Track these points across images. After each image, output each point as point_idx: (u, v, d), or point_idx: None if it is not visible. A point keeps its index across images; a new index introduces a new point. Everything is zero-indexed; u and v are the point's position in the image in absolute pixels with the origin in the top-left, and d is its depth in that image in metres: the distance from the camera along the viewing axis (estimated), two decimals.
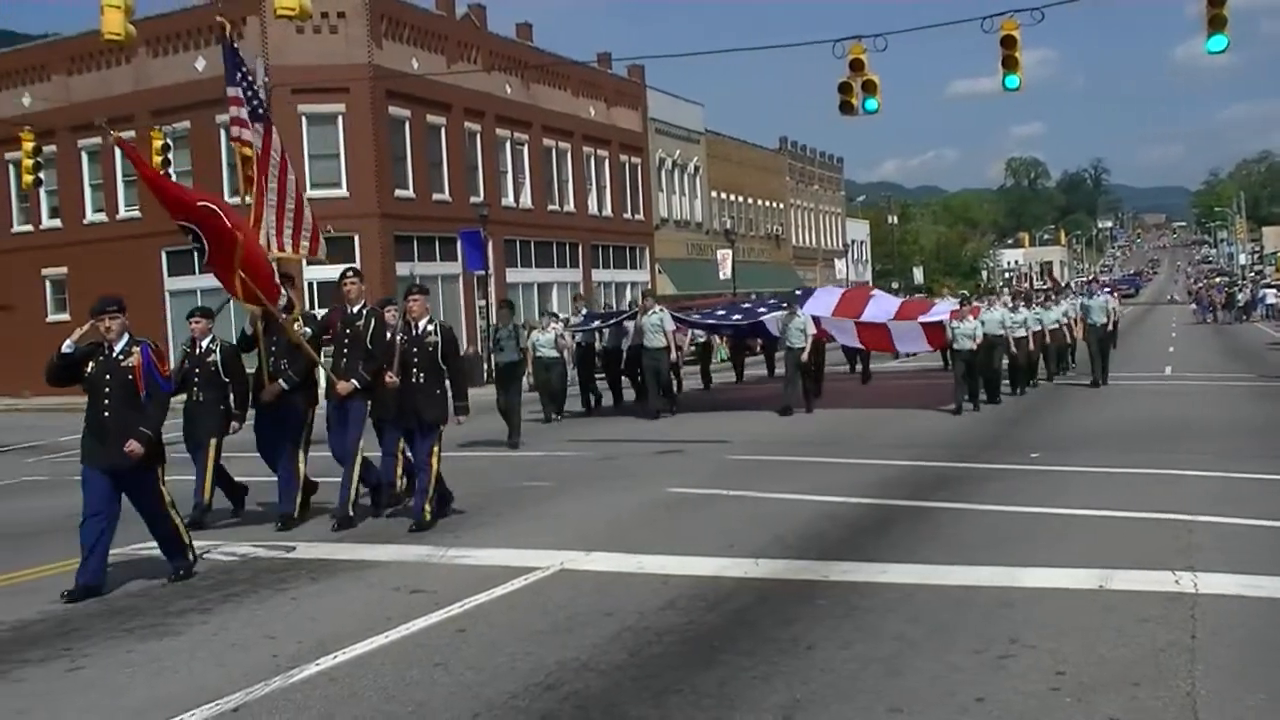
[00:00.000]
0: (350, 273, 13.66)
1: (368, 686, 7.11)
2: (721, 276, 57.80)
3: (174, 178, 38.98)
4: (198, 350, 13.80)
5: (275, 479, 13.54)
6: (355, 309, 13.37)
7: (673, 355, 24.87)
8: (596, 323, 27.67)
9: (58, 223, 46.33)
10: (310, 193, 40.43)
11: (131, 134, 42.41)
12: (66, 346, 10.31)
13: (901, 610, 8.42)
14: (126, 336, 10.40)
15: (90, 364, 10.27)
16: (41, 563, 11.64)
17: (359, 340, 13.16)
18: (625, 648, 7.72)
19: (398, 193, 42.77)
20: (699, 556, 10.46)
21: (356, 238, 41.00)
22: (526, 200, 51.21)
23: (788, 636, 7.82)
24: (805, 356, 23.60)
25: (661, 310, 24.72)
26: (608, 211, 57.78)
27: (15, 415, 38.31)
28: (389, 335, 13.16)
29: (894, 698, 6.59)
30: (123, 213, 44.60)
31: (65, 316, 45.51)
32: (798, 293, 26.85)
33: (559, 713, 6.53)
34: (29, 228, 47.15)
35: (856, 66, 26.53)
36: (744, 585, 9.40)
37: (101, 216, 45.22)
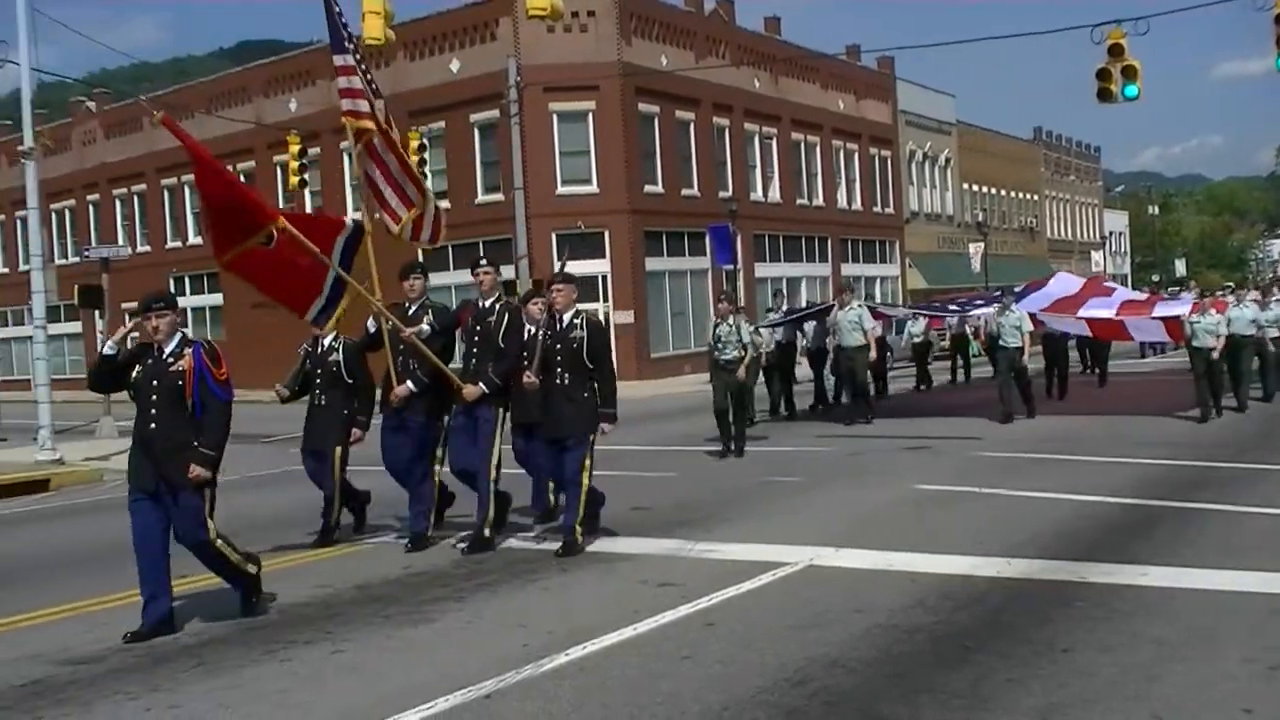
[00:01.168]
0: (483, 262, 12.15)
1: (616, 677, 7.14)
2: (974, 270, 56.67)
3: (429, 179, 40.52)
4: (319, 349, 12.74)
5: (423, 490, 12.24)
6: (487, 303, 11.95)
7: (872, 355, 22.86)
8: (791, 321, 25.72)
9: None
10: (560, 189, 41.42)
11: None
12: (108, 348, 9.32)
13: (1163, 614, 8.07)
14: (179, 337, 9.11)
15: (137, 368, 9.07)
16: (308, 548, 12.09)
17: (490, 338, 11.68)
18: (875, 645, 7.59)
19: (647, 188, 43.12)
20: (949, 555, 10.23)
21: (606, 234, 41.53)
22: (775, 195, 51.10)
23: (1042, 638, 7.58)
24: (1024, 357, 21.76)
25: (861, 305, 23.24)
26: (857, 205, 57.23)
27: (282, 408, 39.75)
28: (532, 331, 11.74)
29: (1154, 705, 6.31)
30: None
31: None
32: (1015, 288, 24.97)
33: (807, 709, 6.45)
34: None
35: (1115, 52, 25.64)
36: (996, 585, 9.15)
37: (360, 215, 46.67)
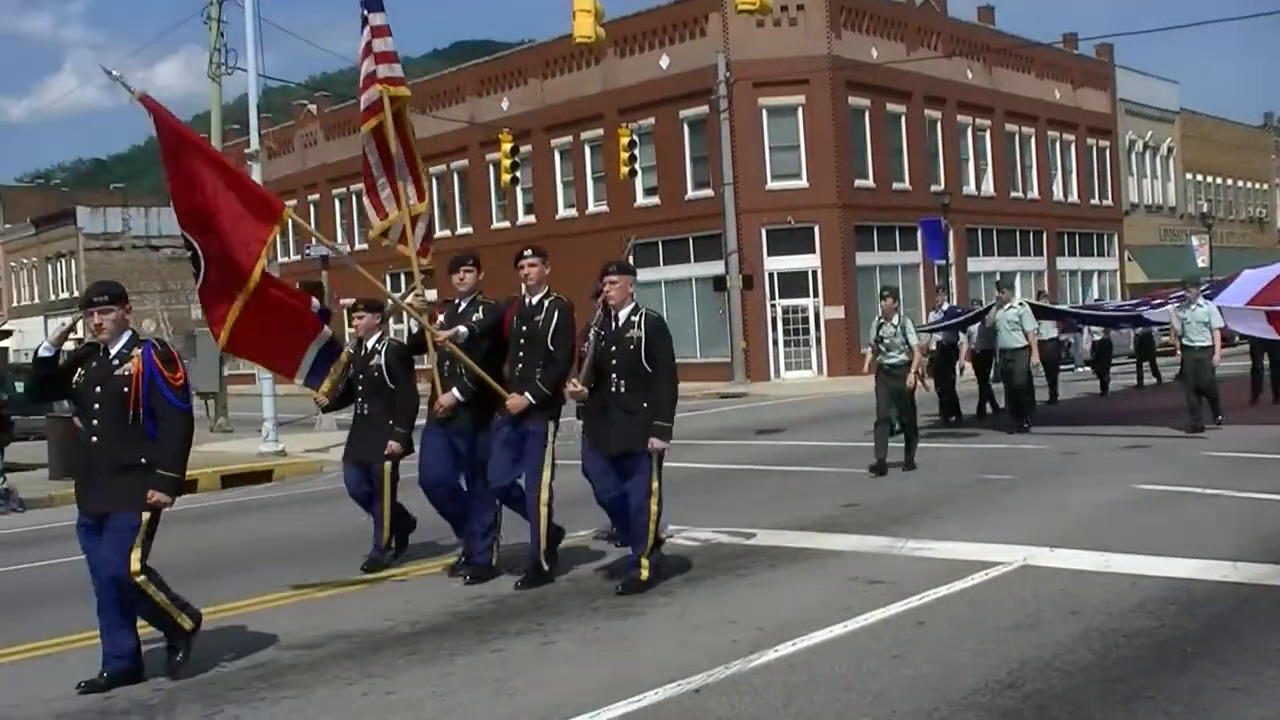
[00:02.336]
0: (528, 253, 10.52)
1: (826, 674, 7.07)
2: (1199, 264, 54.75)
3: (639, 174, 40.81)
4: (362, 351, 11.49)
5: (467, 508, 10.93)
6: (534, 299, 10.29)
7: (1033, 358, 20.97)
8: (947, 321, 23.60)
9: (532, 219, 48.76)
10: (770, 184, 41.29)
11: (600, 132, 44.32)
12: (44, 349, 7.77)
13: None
14: (127, 336, 7.74)
15: (79, 372, 7.73)
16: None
17: (537, 339, 10.05)
18: (1091, 649, 7.37)
19: (857, 183, 42.74)
20: (1170, 557, 9.86)
21: (816, 228, 41.29)
22: (988, 187, 50.16)
23: (1273, 647, 7.25)
24: (1216, 358, 19.42)
25: (1022, 304, 21.48)
26: (1073, 197, 55.83)
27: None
28: (592, 330, 10.05)
29: None
30: (591, 208, 46.52)
31: None
32: (1204, 282, 22.72)
33: (1021, 711, 6.29)
34: (506, 224, 49.86)
35: None
36: (1221, 589, 8.79)
37: (572, 212, 47.29)
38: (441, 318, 10.75)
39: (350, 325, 11.95)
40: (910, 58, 44.34)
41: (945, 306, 25.09)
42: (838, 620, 8.22)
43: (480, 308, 10.67)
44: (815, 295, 41.32)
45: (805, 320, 41.53)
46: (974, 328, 22.91)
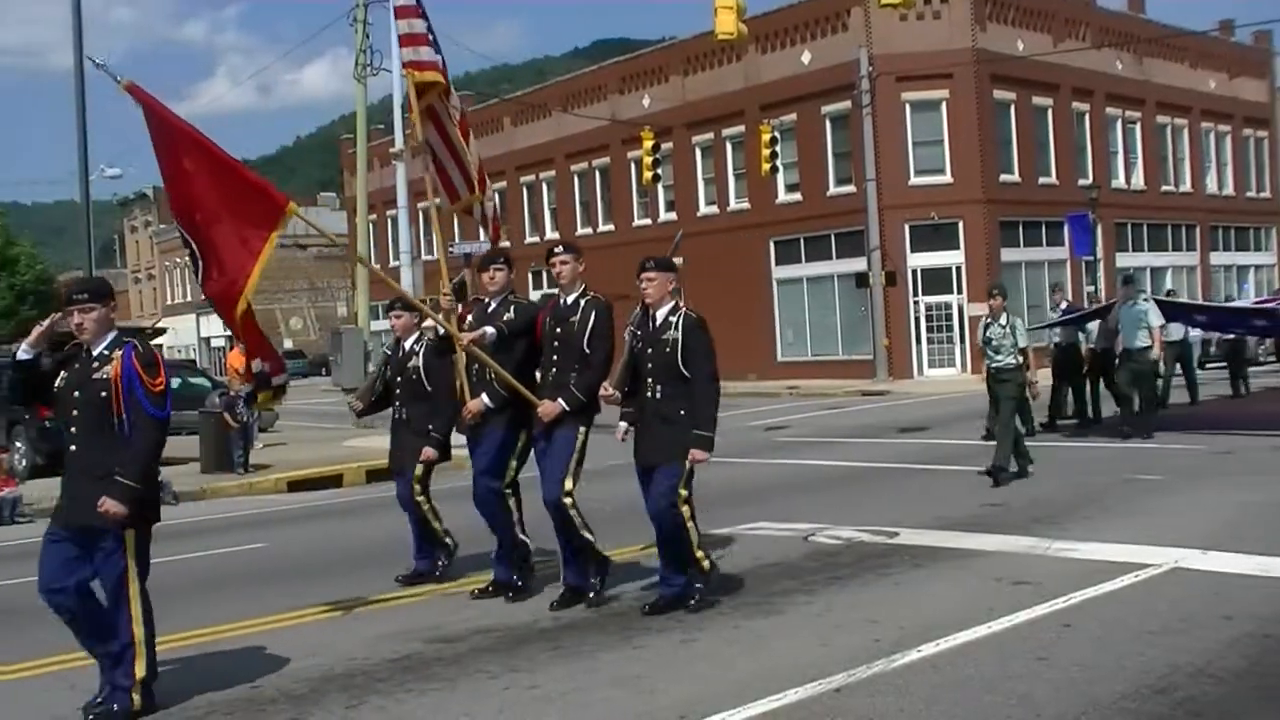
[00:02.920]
0: (560, 249, 9.70)
1: (970, 676, 6.98)
2: None
3: (781, 171, 40.66)
4: (400, 352, 10.93)
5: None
6: (569, 298, 9.50)
7: (1155, 356, 19.66)
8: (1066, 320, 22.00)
9: (673, 216, 48.78)
10: (913, 180, 40.86)
11: (741, 129, 44.27)
12: (23, 351, 7.28)
13: None
14: (111, 336, 7.20)
15: (62, 375, 7.21)
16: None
17: (572, 342, 9.30)
18: (1244, 655, 7.16)
19: (1002, 177, 42.08)
20: None
21: (960, 224, 40.78)
22: (1138, 181, 49.06)
23: None
24: None
25: (1148, 301, 20.11)
26: (1228, 190, 54.35)
27: None
28: (629, 330, 9.36)
29: None
30: (733, 205, 46.44)
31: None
32: None
33: (1172, 718, 6.15)
34: (647, 221, 49.96)
35: None
36: None
37: (713, 209, 47.24)
38: (470, 318, 10.00)
39: (389, 325, 11.27)
40: (1057, 49, 43.50)
41: (1063, 305, 23.79)
42: (982, 621, 8.11)
43: (512, 307, 9.86)
44: (959, 292, 40.79)
45: (949, 317, 41.02)
46: (1093, 325, 21.63)
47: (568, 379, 9.23)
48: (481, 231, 11.43)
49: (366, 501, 17.68)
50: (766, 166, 37.98)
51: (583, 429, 9.31)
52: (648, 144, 36.72)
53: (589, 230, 52.61)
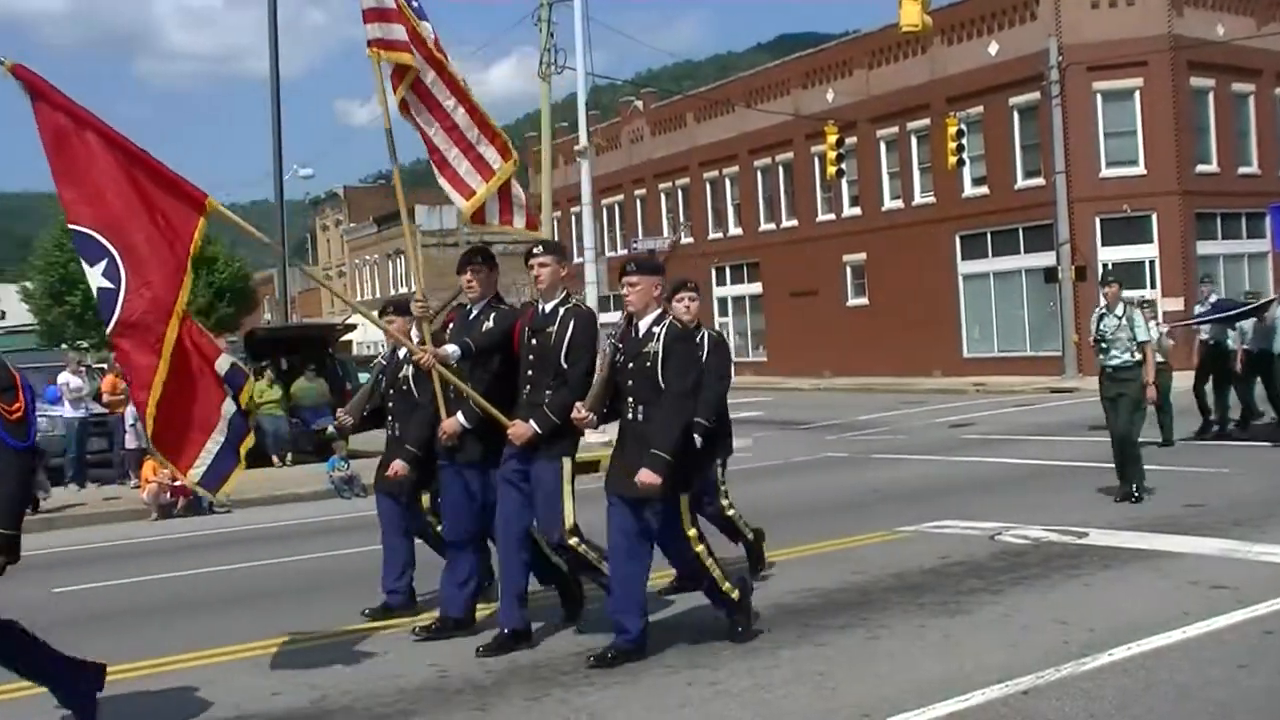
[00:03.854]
0: (538, 249, 8.52)
1: (1163, 681, 6.77)
2: None
3: (967, 164, 39.99)
4: (394, 360, 9.63)
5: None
6: (548, 306, 8.36)
7: None
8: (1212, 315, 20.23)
9: (857, 210, 48.37)
10: (1104, 172, 39.85)
11: (926, 122, 43.70)
12: None
13: None
14: None
15: None
16: (847, 534, 12.21)
17: (549, 355, 8.21)
18: None
19: (1199, 168, 40.77)
20: None
21: (1154, 216, 39.66)
22: None
23: None
24: None
25: None
26: None
27: (819, 394, 40.56)
28: (609, 343, 8.37)
29: None
30: (918, 199, 45.85)
31: (863, 301, 47.68)
32: None
33: None
34: (831, 216, 49.63)
35: None
36: None
37: (898, 204, 46.71)
38: (452, 327, 8.96)
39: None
40: (1260, 33, 41.94)
41: (1212, 299, 21.69)
42: (1176, 625, 7.87)
43: (492, 315, 8.70)
44: (1153, 287, 39.62)
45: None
46: (1247, 324, 19.42)
47: (543, 397, 8.17)
48: (517, 219, 9.50)
49: None
50: (952, 160, 37.43)
51: (566, 460, 8.24)
52: (831, 138, 36.41)
53: (772, 226, 52.48)
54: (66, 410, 20.77)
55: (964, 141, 38.28)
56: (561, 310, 8.29)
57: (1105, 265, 17.85)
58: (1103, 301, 13.85)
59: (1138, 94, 40.02)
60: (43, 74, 7.04)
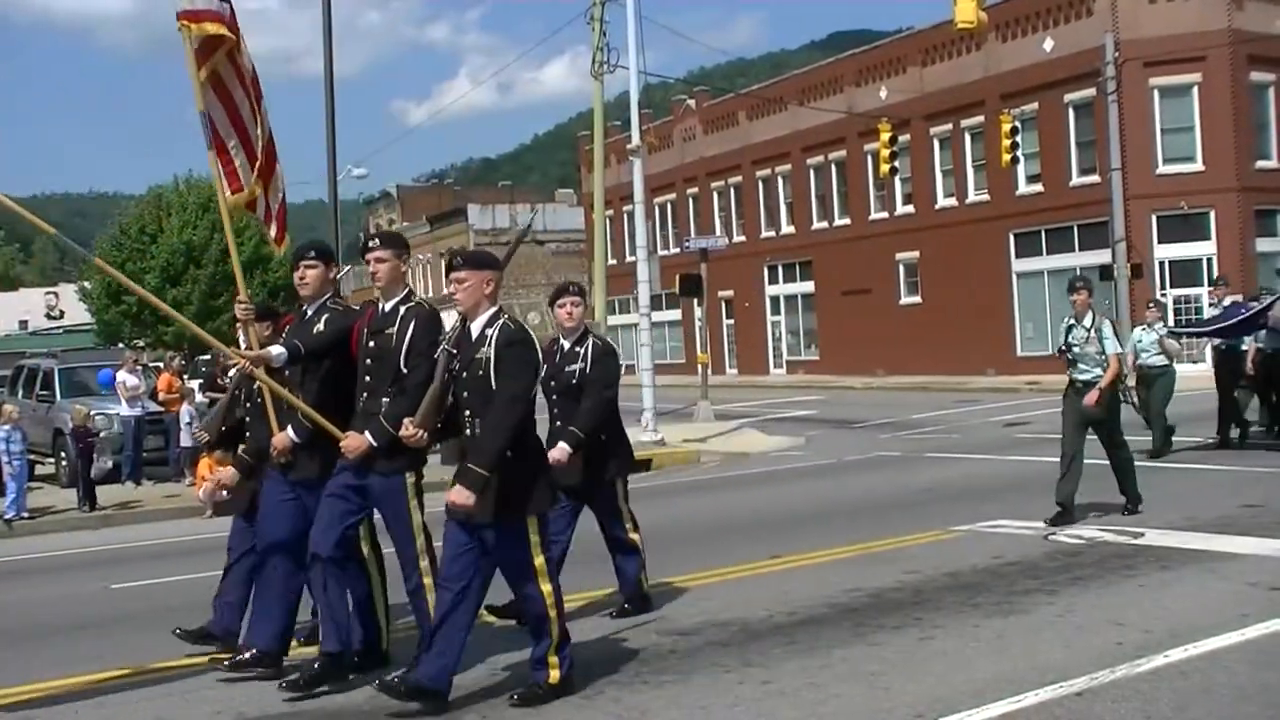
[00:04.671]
0: (374, 241, 7.77)
1: (1221, 684, 6.69)
2: None
3: (1021, 161, 39.72)
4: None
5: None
6: (388, 305, 7.62)
7: None
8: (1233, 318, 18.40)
9: (910, 209, 48.17)
10: (1160, 169, 39.50)
11: (980, 119, 43.43)
12: None
13: None
14: None
15: None
16: (900, 533, 12.15)
17: (387, 359, 7.47)
18: None
19: (1259, 164, 40.33)
20: None
21: (1212, 213, 39.29)
22: None
23: None
24: None
25: None
26: None
27: (871, 393, 40.40)
28: (443, 349, 7.12)
29: None
30: (971, 197, 45.59)
31: (916, 299, 47.46)
32: None
33: None
34: (884, 214, 49.45)
35: None
36: None
37: (951, 201, 46.47)
38: (287, 330, 8.18)
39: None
40: None
41: (1227, 302, 20.14)
42: (1234, 627, 7.78)
43: (323, 318, 7.85)
44: (1209, 284, 39.23)
45: (1198, 311, 39.46)
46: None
47: (380, 405, 7.37)
48: (272, 229, 8.97)
49: None
50: (1007, 157, 37.17)
51: (409, 477, 7.54)
52: (885, 136, 36.24)
53: (824, 224, 52.34)
54: (124, 409, 21.02)
55: (1018, 139, 37.99)
56: (402, 310, 7.52)
57: (1077, 271, 16.58)
58: (1071, 310, 12.86)
59: (1196, 89, 39.64)
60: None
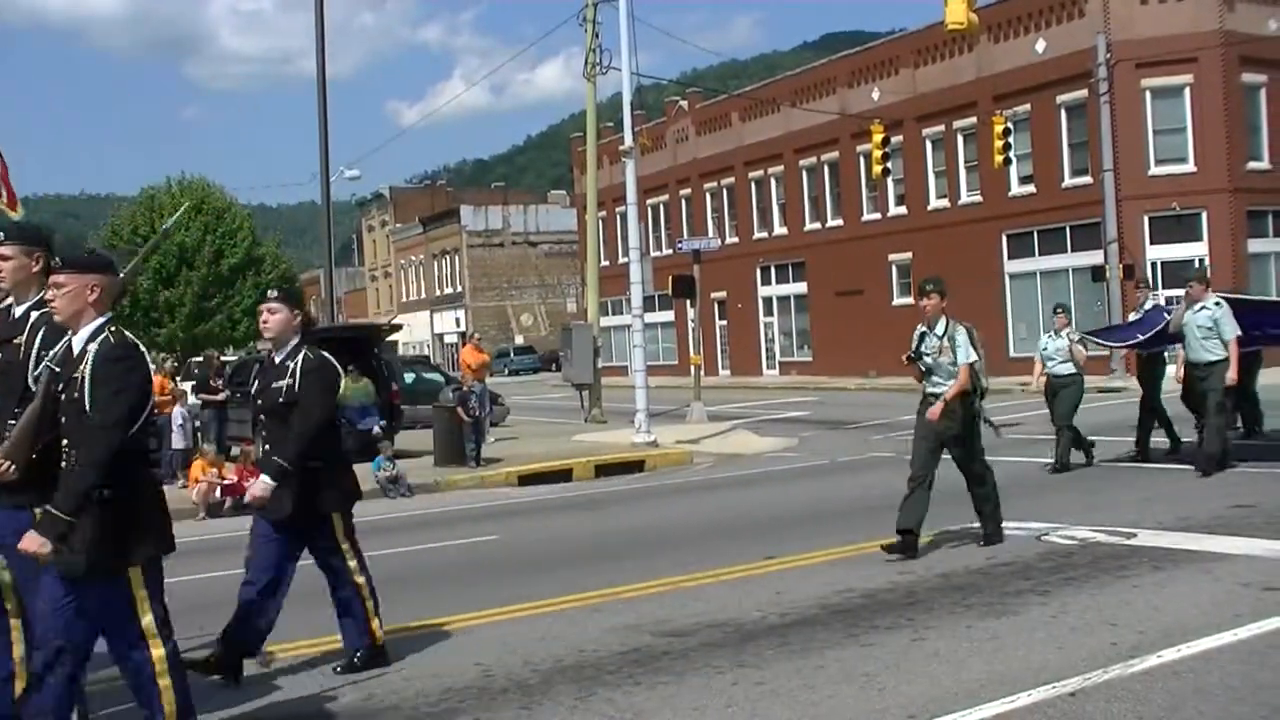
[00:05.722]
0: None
1: (1215, 684, 6.70)
2: None
3: (1014, 162, 39.73)
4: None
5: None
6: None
7: (1230, 375, 14.98)
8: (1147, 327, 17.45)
9: (903, 210, 48.24)
10: (1153, 170, 39.57)
11: (972, 121, 43.48)
12: None
13: None
14: None
15: None
16: (893, 534, 12.14)
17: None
18: None
19: (1250, 165, 40.40)
20: None
21: (1204, 214, 39.37)
22: None
23: None
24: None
25: (1219, 304, 15.36)
26: None
27: (864, 394, 40.41)
28: (46, 369, 6.01)
29: None
30: (964, 198, 45.66)
31: (908, 300, 47.42)
32: None
33: None
34: (876, 215, 49.51)
35: None
36: None
37: (944, 203, 46.52)
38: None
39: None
40: None
41: (1148, 305, 19.23)
42: (1227, 627, 7.78)
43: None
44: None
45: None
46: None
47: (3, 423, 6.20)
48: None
49: (595, 496, 17.90)
50: (999, 158, 37.20)
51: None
52: (877, 137, 36.26)
53: (817, 225, 52.37)
54: None
55: (1011, 140, 38.01)
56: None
57: (934, 278, 15.47)
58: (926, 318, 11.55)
59: (1188, 90, 39.72)
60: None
